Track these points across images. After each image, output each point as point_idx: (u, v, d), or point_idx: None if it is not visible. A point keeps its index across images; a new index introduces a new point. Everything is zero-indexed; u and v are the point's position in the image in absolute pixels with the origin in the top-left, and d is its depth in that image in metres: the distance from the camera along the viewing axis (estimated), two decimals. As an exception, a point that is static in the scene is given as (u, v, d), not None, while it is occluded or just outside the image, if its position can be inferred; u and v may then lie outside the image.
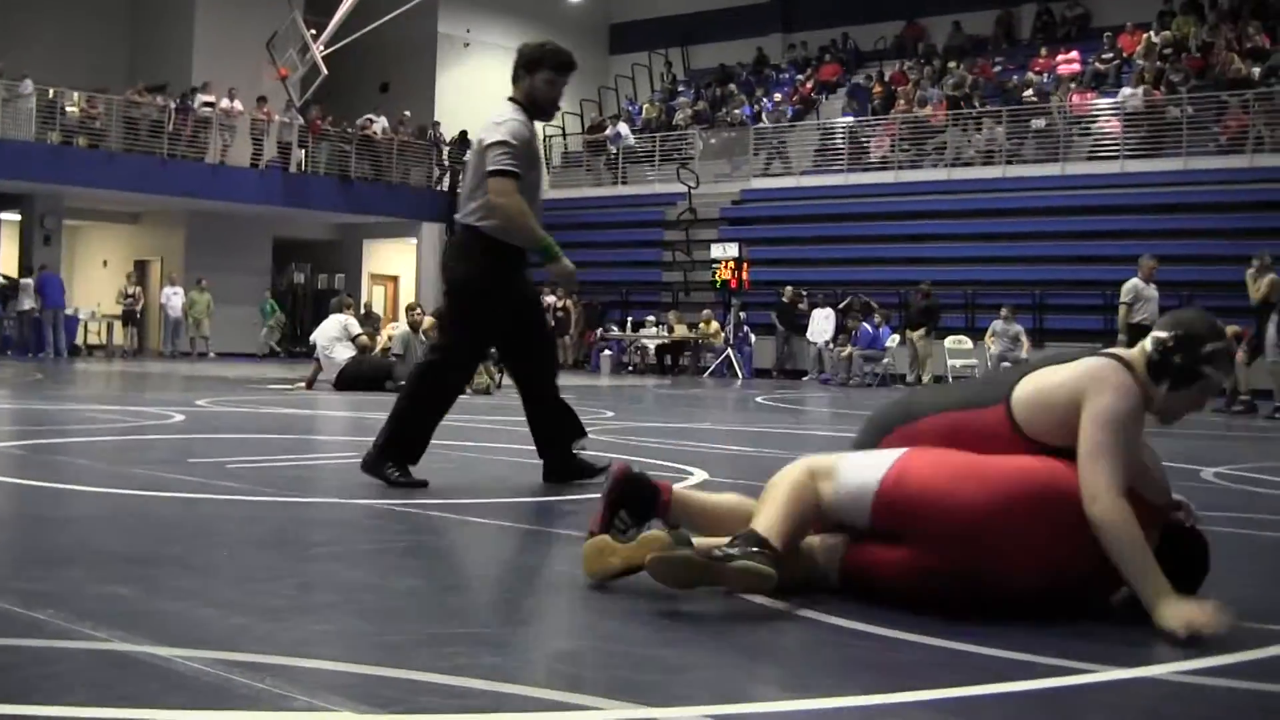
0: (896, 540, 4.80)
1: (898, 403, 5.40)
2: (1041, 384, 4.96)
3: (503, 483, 8.83)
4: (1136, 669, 4.08)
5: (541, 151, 8.70)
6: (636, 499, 5.11)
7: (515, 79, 8.45)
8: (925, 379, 30.38)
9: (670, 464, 9.86)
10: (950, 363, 30.30)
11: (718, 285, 33.82)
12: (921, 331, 30.60)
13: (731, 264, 33.07)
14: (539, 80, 8.30)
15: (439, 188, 43.90)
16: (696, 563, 4.69)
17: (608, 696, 3.58)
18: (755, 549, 4.66)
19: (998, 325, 29.51)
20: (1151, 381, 4.92)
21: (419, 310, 23.55)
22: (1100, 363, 4.94)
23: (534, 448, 8.58)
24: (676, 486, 5.28)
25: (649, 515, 5.10)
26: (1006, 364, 28.63)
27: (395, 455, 8.16)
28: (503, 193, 7.99)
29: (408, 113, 44.24)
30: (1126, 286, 21.93)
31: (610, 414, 16.72)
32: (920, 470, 4.81)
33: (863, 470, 4.89)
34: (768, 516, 4.82)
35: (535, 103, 8.33)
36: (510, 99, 8.37)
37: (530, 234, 8.09)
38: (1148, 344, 4.99)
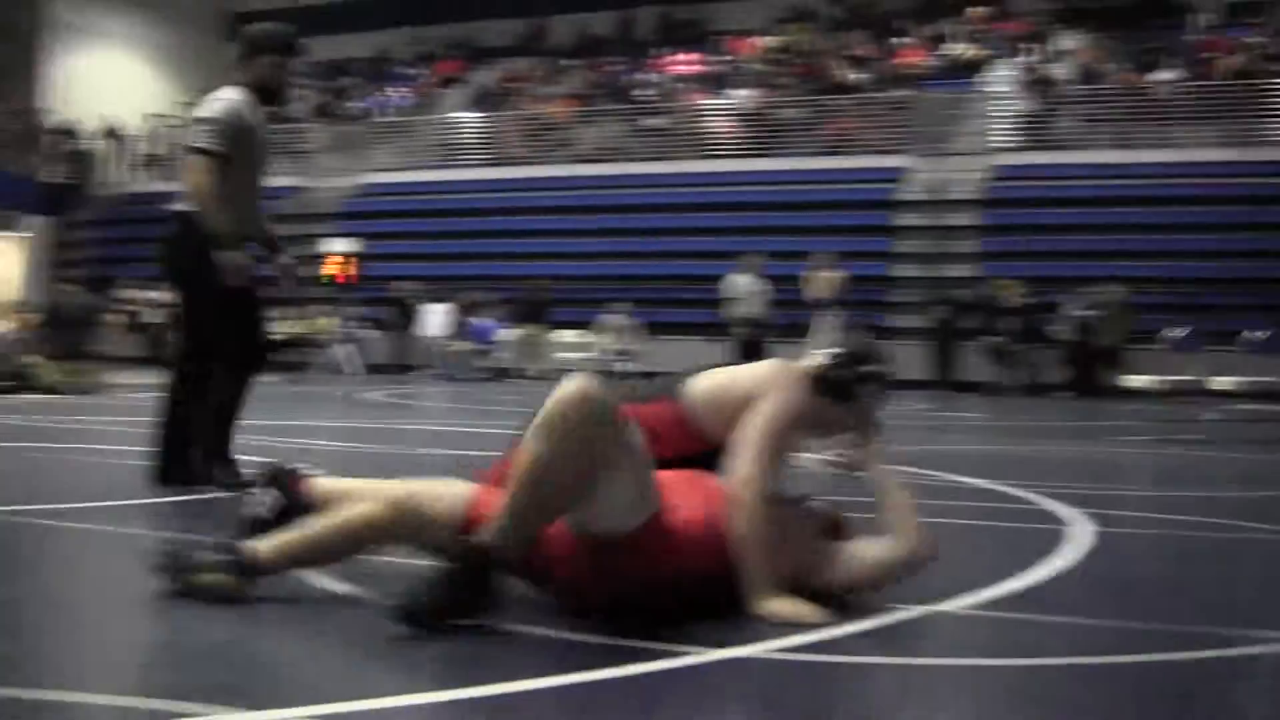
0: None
1: None
2: (718, 382, 5.15)
3: (91, 486, 8.44)
4: (735, 650, 4.26)
5: (263, 138, 8.30)
6: (269, 478, 5.20)
7: (240, 63, 8.22)
8: (537, 373, 30.76)
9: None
10: (564, 356, 30.75)
11: (330, 280, 33.51)
12: (536, 326, 30.96)
13: (345, 258, 32.90)
14: (266, 64, 8.13)
15: (42, 179, 42.49)
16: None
17: (206, 701, 3.51)
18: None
19: (613, 320, 30.06)
20: (816, 393, 5.16)
21: (21, 307, 22.96)
22: (780, 365, 5.22)
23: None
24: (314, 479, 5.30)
25: (293, 501, 5.13)
26: (623, 356, 29.34)
27: (224, 460, 8.04)
28: (194, 169, 7.77)
29: (11, 99, 42.87)
30: (733, 282, 22.54)
31: None
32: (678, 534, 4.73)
33: (645, 488, 4.65)
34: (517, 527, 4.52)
35: (264, 87, 8.13)
36: (237, 83, 8.13)
37: (211, 217, 7.79)
38: (817, 358, 5.25)
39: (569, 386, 4.49)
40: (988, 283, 29.21)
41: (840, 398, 5.18)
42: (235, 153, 7.89)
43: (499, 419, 17.67)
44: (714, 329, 29.00)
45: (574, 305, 32.56)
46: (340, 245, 33.28)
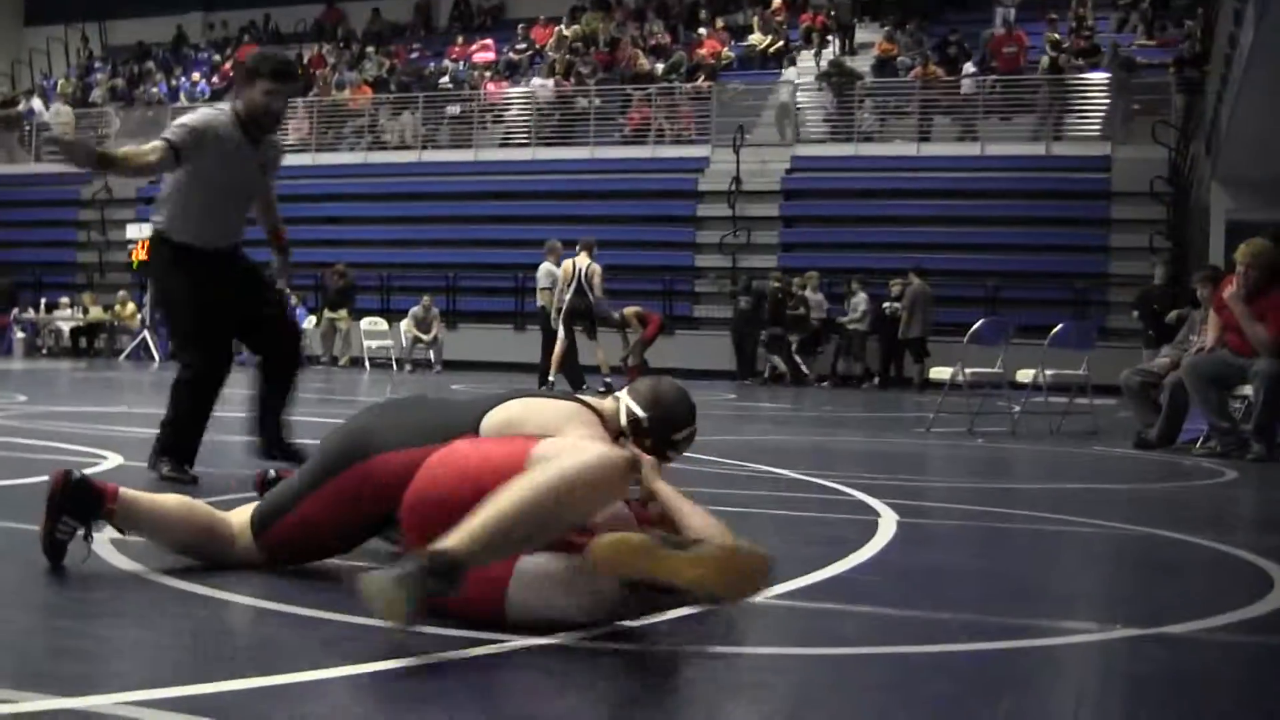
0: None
1: (350, 434, 5.05)
2: (512, 414, 4.97)
3: None
4: (545, 638, 4.16)
5: (240, 158, 8.22)
6: (78, 504, 4.92)
7: (238, 87, 8.16)
8: (342, 360, 30.66)
9: (84, 448, 9.67)
10: (366, 344, 30.69)
11: (135, 266, 32.93)
12: (343, 312, 30.90)
13: (148, 244, 32.20)
14: (256, 91, 7.95)
15: None
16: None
17: (17, 688, 3.45)
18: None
19: (417, 311, 30.11)
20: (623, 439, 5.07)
21: None
22: (574, 406, 5.03)
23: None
24: (124, 490, 5.04)
25: (93, 518, 4.94)
26: (421, 345, 29.42)
27: (175, 456, 8.05)
28: (147, 148, 7.81)
29: None
30: (542, 271, 22.61)
31: (23, 398, 16.22)
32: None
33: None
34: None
35: (251, 114, 8.02)
36: (232, 104, 8.10)
37: (119, 159, 7.96)
38: (622, 409, 5.17)
39: (606, 458, 4.27)
40: (771, 276, 29.57)
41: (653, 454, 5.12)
42: (199, 161, 7.91)
43: (306, 406, 17.59)
44: (516, 317, 29.19)
45: (375, 293, 32.56)
46: (142, 231, 32.65)
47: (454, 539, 4.06)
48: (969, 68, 33.72)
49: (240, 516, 5.17)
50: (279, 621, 4.47)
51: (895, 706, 3.77)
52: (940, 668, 4.21)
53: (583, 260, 21.69)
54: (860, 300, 28.40)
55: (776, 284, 28.76)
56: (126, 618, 4.44)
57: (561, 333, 21.72)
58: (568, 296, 21.63)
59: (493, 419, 4.96)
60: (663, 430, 5.15)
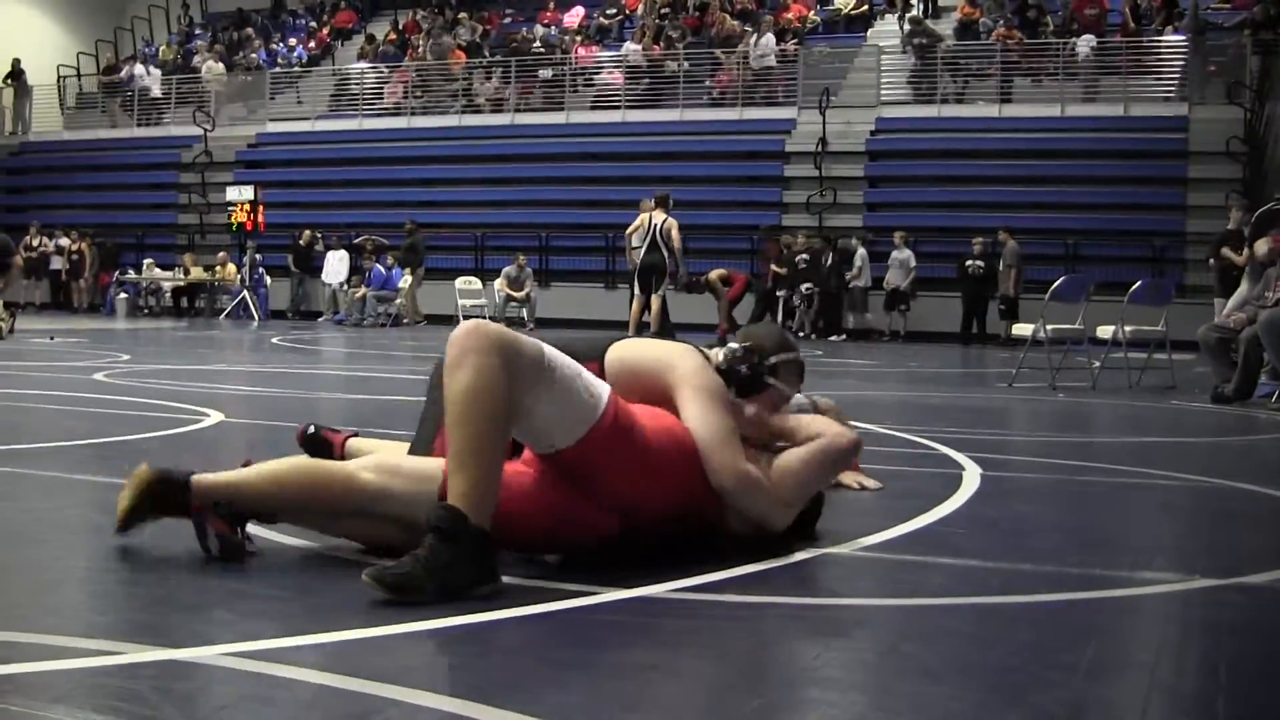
0: (571, 480, 4.64)
1: None
2: (631, 351, 5.18)
3: (33, 430, 8.42)
4: (640, 589, 4.35)
5: None
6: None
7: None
8: (406, 318, 31.44)
9: (186, 405, 9.82)
10: (461, 302, 31.21)
11: (234, 228, 33.37)
12: (409, 270, 31.56)
13: (247, 206, 32.83)
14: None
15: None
16: None
17: (126, 640, 3.55)
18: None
19: (510, 270, 30.69)
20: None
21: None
22: (685, 347, 5.22)
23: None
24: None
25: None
26: (514, 303, 29.98)
27: None
28: None
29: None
30: (630, 231, 23.01)
31: (126, 357, 16.52)
32: (635, 416, 4.78)
33: (581, 393, 4.58)
34: (467, 477, 4.31)
35: None
36: None
37: None
38: (720, 352, 5.29)
39: (460, 327, 4.50)
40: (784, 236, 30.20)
41: (751, 391, 5.28)
42: None
43: (401, 364, 18.09)
44: (607, 276, 29.76)
45: (472, 253, 33.22)
46: (242, 193, 33.30)
47: None
48: (1087, 36, 33.56)
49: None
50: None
51: (979, 654, 3.87)
52: (1024, 617, 4.35)
53: (658, 216, 21.60)
54: (860, 257, 29.19)
55: (798, 242, 29.46)
56: (226, 571, 4.51)
57: (637, 289, 21.94)
58: (641, 252, 21.68)
59: (616, 350, 5.20)
60: (754, 356, 5.29)
